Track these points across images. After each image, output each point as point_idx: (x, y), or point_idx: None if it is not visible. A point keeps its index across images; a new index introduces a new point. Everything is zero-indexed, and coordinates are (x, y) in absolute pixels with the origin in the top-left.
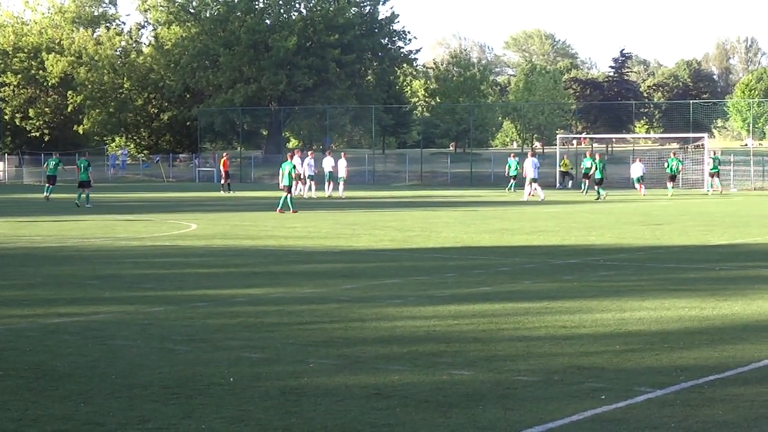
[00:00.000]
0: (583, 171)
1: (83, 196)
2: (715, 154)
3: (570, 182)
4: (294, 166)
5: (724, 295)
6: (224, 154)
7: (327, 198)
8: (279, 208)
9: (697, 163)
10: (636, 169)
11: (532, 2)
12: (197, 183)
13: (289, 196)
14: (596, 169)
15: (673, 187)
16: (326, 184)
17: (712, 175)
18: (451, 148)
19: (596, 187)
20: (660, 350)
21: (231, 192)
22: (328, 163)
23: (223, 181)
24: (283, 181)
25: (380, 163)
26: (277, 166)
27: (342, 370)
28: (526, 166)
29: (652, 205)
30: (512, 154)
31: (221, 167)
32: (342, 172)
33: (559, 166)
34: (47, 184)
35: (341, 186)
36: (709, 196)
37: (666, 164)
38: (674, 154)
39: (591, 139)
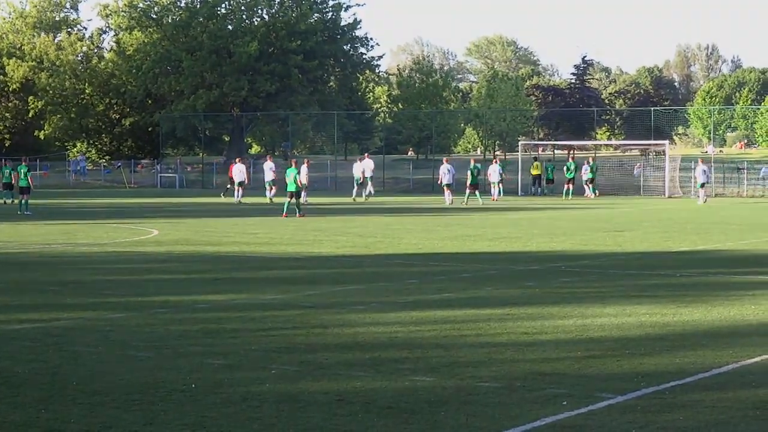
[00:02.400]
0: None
1: (23, 202)
2: (593, 161)
3: (539, 189)
4: (298, 172)
5: (685, 301)
6: (236, 160)
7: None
8: (285, 212)
9: (658, 170)
10: (586, 172)
11: (494, 9)
12: (159, 189)
13: (293, 201)
14: (472, 175)
15: (594, 189)
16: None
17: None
18: (410, 154)
19: (468, 192)
20: (621, 356)
21: (236, 198)
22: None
23: (236, 189)
24: (289, 187)
25: (342, 170)
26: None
27: (304, 377)
28: (490, 171)
29: (614, 212)
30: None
31: (237, 173)
32: (303, 179)
33: (530, 170)
34: (5, 190)
35: (303, 193)
36: (566, 201)
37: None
38: (593, 159)
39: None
